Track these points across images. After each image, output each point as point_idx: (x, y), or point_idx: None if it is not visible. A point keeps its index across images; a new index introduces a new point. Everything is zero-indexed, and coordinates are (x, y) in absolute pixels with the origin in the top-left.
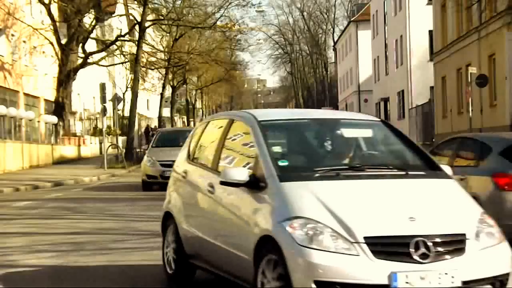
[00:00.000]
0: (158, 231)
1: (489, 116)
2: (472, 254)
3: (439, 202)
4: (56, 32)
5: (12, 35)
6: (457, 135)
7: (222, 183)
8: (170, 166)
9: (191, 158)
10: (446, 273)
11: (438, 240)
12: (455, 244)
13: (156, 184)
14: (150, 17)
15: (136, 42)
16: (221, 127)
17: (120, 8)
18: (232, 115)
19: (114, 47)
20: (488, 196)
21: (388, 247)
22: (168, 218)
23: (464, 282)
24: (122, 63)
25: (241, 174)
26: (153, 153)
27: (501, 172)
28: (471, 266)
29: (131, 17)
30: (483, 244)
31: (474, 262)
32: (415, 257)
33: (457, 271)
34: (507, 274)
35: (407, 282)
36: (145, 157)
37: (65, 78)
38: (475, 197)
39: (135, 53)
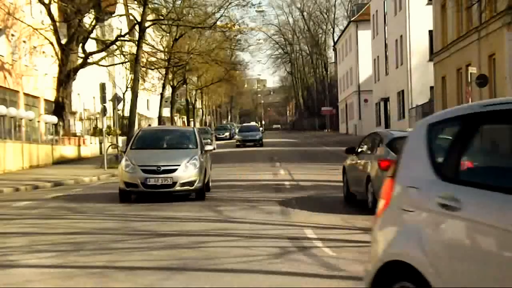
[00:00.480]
0: (157, 231)
1: None
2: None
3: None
4: (56, 32)
5: (12, 35)
6: (372, 131)
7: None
8: (155, 172)
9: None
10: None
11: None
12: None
13: (135, 193)
14: (150, 17)
15: (136, 42)
16: None
17: (120, 8)
18: None
19: (114, 47)
20: (375, 175)
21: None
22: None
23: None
24: (122, 63)
25: None
26: (133, 156)
27: (383, 158)
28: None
29: (131, 17)
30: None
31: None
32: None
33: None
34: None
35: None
36: (123, 161)
37: (65, 78)
38: (369, 175)
39: (135, 53)
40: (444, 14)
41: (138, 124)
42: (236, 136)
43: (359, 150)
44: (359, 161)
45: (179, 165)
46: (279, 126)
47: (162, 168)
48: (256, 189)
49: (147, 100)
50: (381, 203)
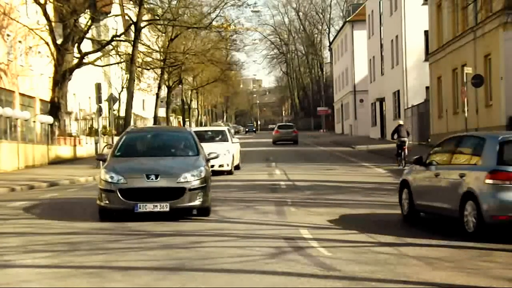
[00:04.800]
0: (153, 231)
1: (485, 116)
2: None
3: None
4: (51, 32)
5: (8, 35)
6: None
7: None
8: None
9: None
10: None
11: None
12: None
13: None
14: (146, 17)
15: (132, 42)
16: None
17: (115, 8)
18: None
19: (110, 47)
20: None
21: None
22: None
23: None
24: (117, 63)
25: None
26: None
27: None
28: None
29: (126, 17)
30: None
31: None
32: None
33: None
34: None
35: None
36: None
37: (61, 78)
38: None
39: (130, 53)
40: (440, 14)
41: (134, 124)
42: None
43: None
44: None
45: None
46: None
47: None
48: (251, 189)
49: (143, 100)
50: None
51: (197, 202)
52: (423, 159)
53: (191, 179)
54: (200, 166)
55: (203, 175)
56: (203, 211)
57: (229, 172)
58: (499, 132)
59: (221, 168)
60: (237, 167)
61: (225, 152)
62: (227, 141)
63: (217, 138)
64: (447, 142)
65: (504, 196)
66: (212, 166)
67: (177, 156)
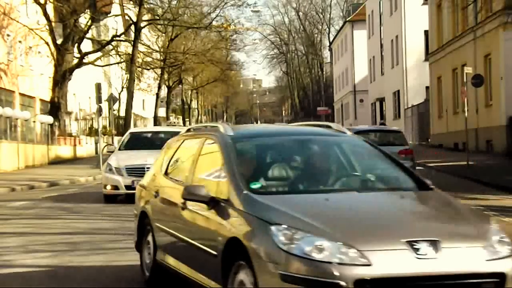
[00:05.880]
0: None
1: (485, 116)
2: None
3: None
4: (51, 32)
5: (8, 35)
6: None
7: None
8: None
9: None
10: None
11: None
12: None
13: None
14: (146, 17)
15: (132, 42)
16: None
17: (115, 8)
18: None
19: (110, 47)
20: None
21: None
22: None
23: None
24: (117, 63)
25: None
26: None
27: None
28: None
29: (126, 17)
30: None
31: None
32: None
33: None
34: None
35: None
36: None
37: (61, 78)
38: None
39: (130, 53)
40: (440, 14)
41: (134, 124)
42: None
43: None
44: None
45: None
46: None
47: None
48: None
49: (143, 100)
50: None
51: None
52: None
53: None
54: None
55: None
56: None
57: None
58: None
59: None
60: None
61: None
62: None
63: None
64: None
65: None
66: None
67: None
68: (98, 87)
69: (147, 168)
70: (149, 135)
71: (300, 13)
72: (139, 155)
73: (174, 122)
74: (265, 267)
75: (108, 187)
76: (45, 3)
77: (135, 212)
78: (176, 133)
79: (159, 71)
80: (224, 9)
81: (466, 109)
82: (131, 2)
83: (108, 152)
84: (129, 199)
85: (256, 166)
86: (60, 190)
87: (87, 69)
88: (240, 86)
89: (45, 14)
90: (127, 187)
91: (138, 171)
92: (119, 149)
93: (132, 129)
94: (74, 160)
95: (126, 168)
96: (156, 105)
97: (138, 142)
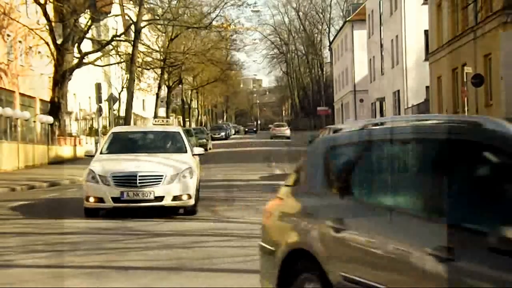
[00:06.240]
0: (153, 231)
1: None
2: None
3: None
4: (51, 32)
5: (8, 35)
6: None
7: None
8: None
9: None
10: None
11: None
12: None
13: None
14: (146, 17)
15: (132, 42)
16: None
17: (115, 8)
18: None
19: (110, 47)
20: None
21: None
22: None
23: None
24: (117, 63)
25: None
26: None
27: None
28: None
29: (126, 17)
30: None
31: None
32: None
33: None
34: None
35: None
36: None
37: (61, 78)
38: None
39: (130, 53)
40: (440, 14)
41: (134, 124)
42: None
43: None
44: None
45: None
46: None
47: (142, 178)
48: (252, 189)
49: (143, 100)
50: None
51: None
52: None
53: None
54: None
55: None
56: (190, 209)
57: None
58: None
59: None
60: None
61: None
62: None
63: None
64: None
65: None
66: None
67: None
68: (98, 87)
69: (140, 176)
70: (136, 135)
71: (300, 13)
72: (127, 160)
73: (163, 120)
74: None
75: (91, 199)
76: (45, 3)
77: (269, 248)
78: (168, 134)
79: (159, 71)
80: (224, 9)
81: (466, 109)
82: (131, 2)
83: (86, 156)
84: (117, 213)
85: None
86: (60, 190)
87: (87, 69)
88: (240, 86)
89: (45, 14)
90: (115, 199)
91: (128, 180)
92: (101, 153)
93: (115, 129)
94: (74, 160)
95: (113, 177)
96: (156, 105)
97: (124, 144)
